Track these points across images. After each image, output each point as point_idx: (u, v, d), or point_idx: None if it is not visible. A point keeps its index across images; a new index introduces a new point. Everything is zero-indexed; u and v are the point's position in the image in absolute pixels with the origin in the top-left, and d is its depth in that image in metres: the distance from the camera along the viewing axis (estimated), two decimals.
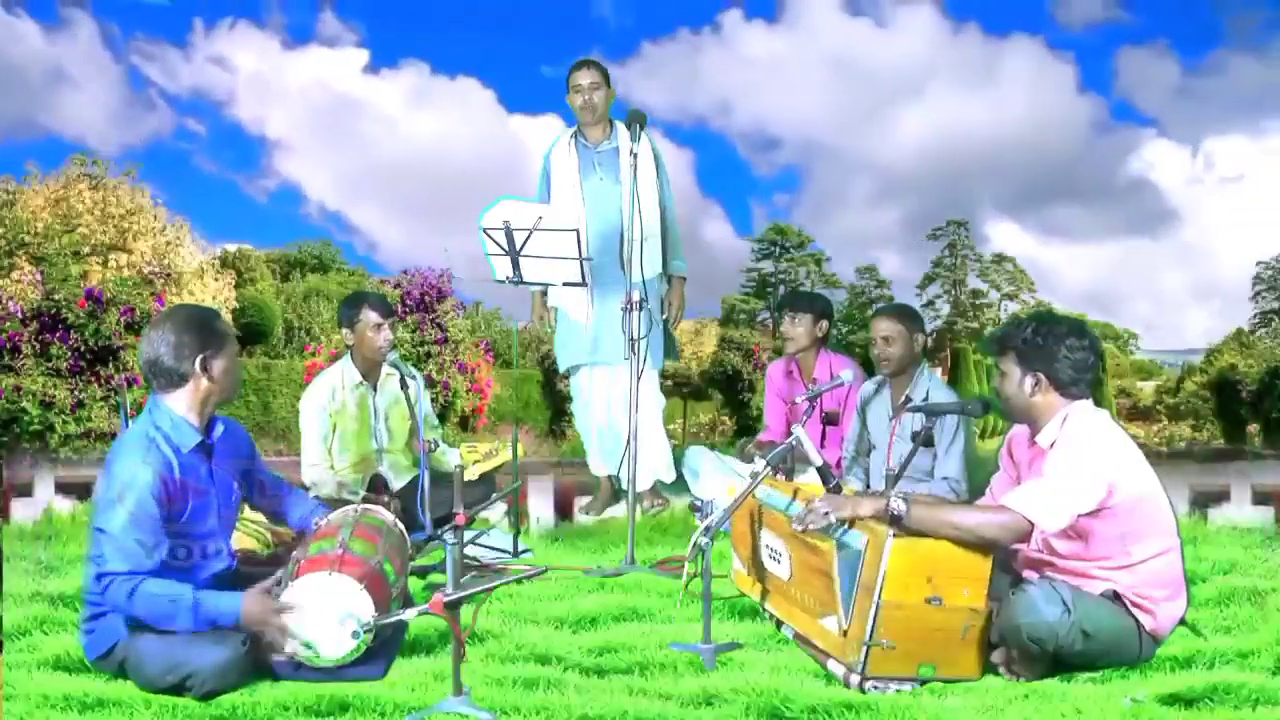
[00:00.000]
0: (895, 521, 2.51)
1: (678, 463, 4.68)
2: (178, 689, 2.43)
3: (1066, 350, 2.66)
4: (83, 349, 7.89)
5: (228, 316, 13.90)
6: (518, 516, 4.08)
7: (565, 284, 4.12)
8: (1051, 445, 2.67)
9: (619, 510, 4.49)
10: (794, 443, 3.13)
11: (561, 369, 4.74)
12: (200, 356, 2.61)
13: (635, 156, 3.96)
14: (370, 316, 4.10)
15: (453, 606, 2.35)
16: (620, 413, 4.27)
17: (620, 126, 4.53)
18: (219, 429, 2.72)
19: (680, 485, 4.65)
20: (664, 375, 4.88)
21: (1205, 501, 4.48)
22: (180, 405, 2.63)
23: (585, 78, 4.49)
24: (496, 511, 4.37)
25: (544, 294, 4.60)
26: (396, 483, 4.17)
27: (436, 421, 4.54)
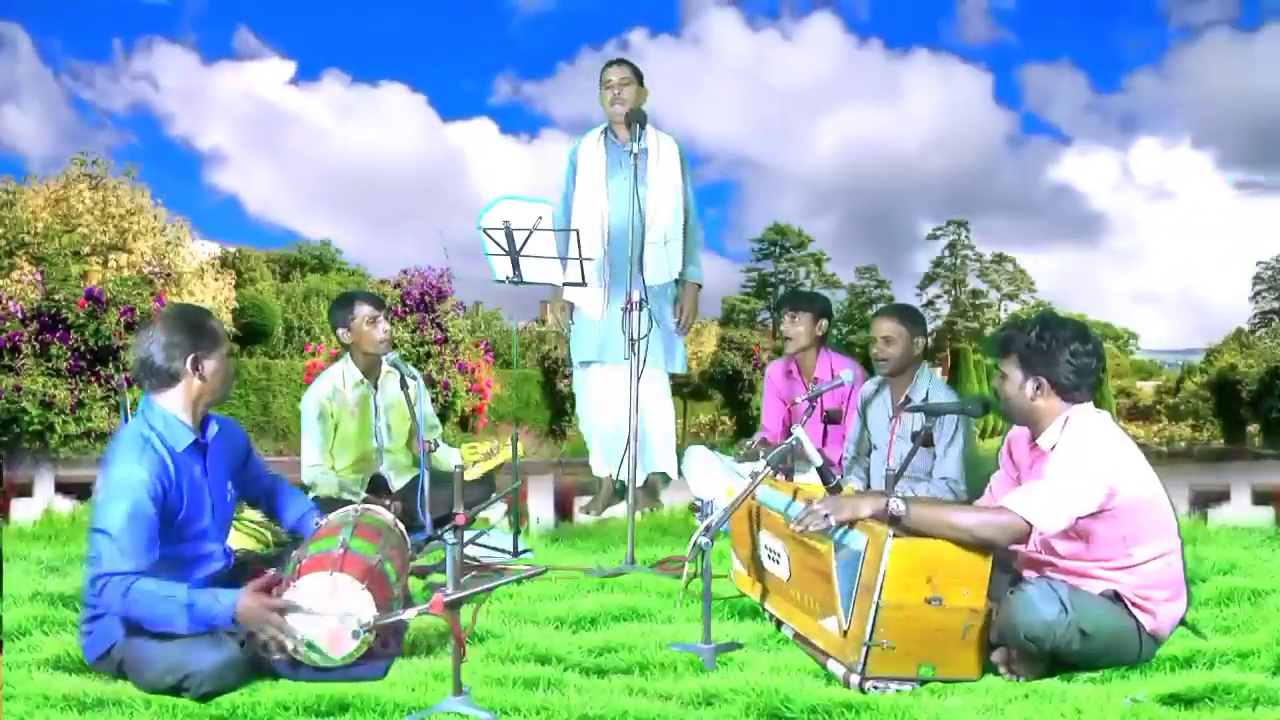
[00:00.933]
0: (895, 522, 2.51)
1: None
2: (176, 690, 2.43)
3: (1070, 355, 2.65)
4: (83, 349, 7.89)
5: (227, 316, 13.93)
6: (518, 516, 4.08)
7: (566, 284, 4.13)
8: (1052, 448, 2.67)
9: (619, 510, 4.49)
10: (794, 443, 3.13)
11: (575, 363, 4.74)
12: (191, 356, 2.61)
13: (635, 156, 3.96)
14: (363, 310, 4.10)
15: (453, 606, 2.35)
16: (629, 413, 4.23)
17: (650, 127, 4.55)
18: (214, 428, 2.72)
19: (681, 485, 4.66)
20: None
21: (1205, 501, 4.48)
22: (173, 405, 2.63)
23: (616, 74, 4.49)
24: (496, 511, 4.37)
25: (560, 294, 4.58)
26: (396, 483, 4.17)
27: (436, 422, 4.53)
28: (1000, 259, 41.93)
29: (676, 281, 4.63)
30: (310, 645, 2.52)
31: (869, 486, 3.97)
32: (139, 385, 2.68)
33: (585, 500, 4.69)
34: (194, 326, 2.65)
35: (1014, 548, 2.73)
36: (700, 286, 4.72)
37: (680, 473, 4.62)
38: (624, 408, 4.04)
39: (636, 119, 4.09)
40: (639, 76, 4.52)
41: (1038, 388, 2.69)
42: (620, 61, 4.54)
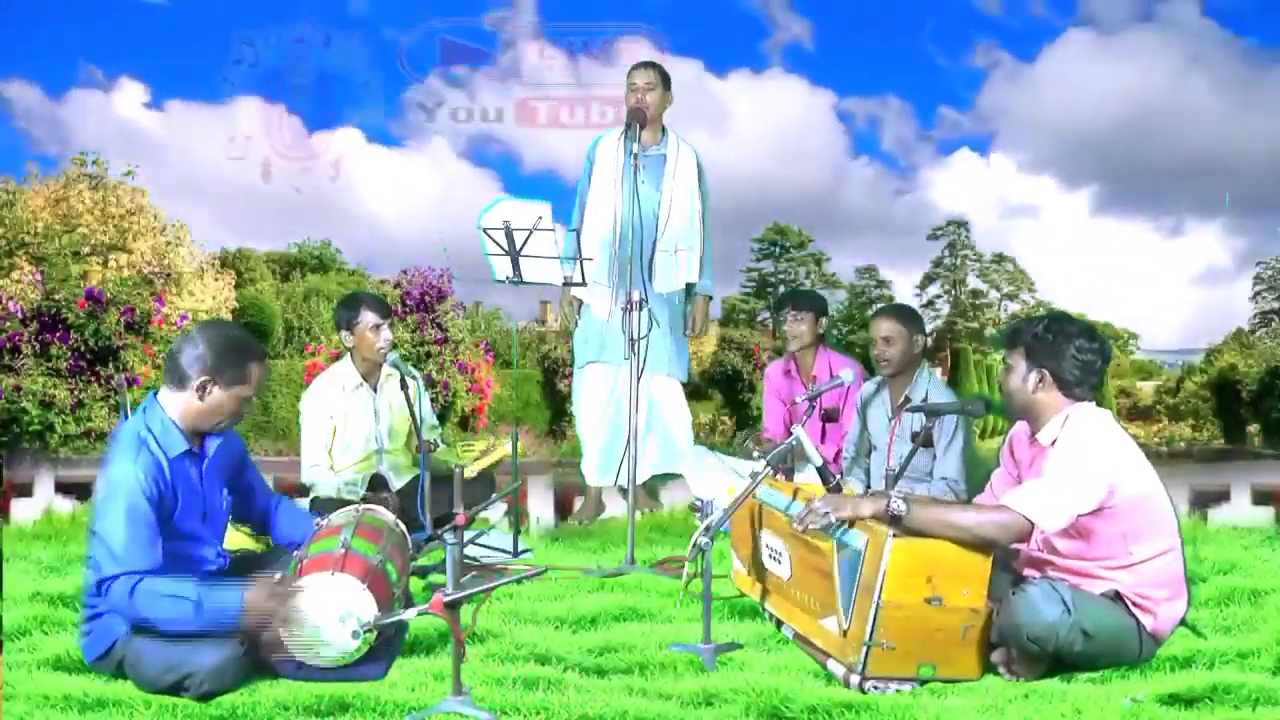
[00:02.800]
0: (895, 522, 2.51)
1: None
2: (176, 690, 2.43)
3: (1075, 350, 2.67)
4: (83, 349, 7.89)
5: (227, 316, 13.91)
6: (518, 516, 4.08)
7: (566, 284, 4.12)
8: (1052, 444, 2.67)
9: (619, 510, 4.49)
10: (794, 442, 3.13)
11: (579, 363, 4.71)
12: (205, 378, 2.60)
13: (636, 158, 3.96)
14: (368, 317, 4.10)
15: (453, 606, 2.35)
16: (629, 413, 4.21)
17: (671, 133, 4.54)
18: (216, 441, 2.71)
19: (681, 485, 4.66)
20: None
21: (1205, 501, 4.48)
22: (173, 409, 2.63)
23: (641, 78, 4.47)
24: (496, 511, 4.37)
25: (568, 291, 4.55)
26: (396, 483, 4.17)
27: (436, 422, 4.53)
28: (1000, 259, 41.92)
29: (687, 291, 4.61)
30: (311, 645, 2.52)
31: (869, 486, 3.97)
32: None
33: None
34: (228, 355, 2.61)
35: (1015, 547, 2.73)
36: (710, 299, 4.72)
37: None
38: (629, 410, 4.03)
39: (636, 119, 4.08)
40: (665, 81, 4.50)
41: (1040, 380, 2.69)
42: (647, 64, 4.50)
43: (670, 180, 4.49)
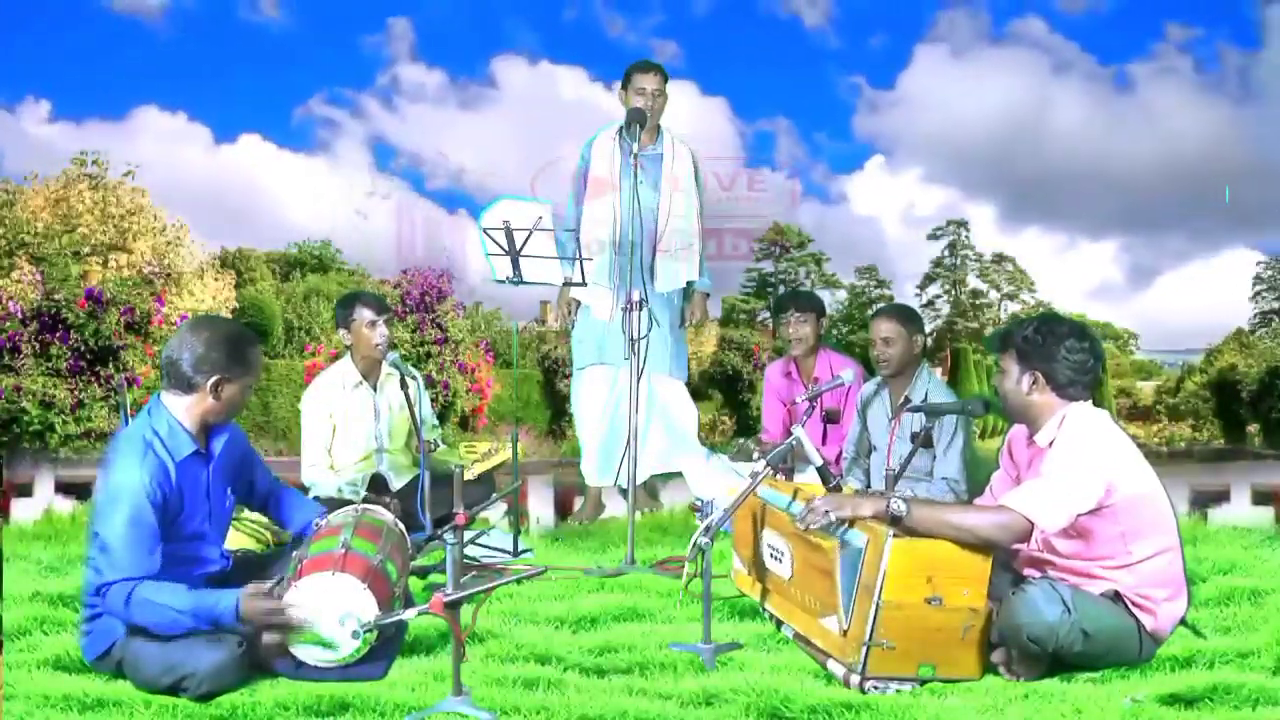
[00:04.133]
0: (895, 522, 2.51)
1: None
2: (175, 690, 2.43)
3: (1065, 351, 2.67)
4: (83, 349, 7.90)
5: (227, 316, 13.90)
6: (518, 516, 4.07)
7: (565, 284, 4.12)
8: (1050, 444, 2.68)
9: (619, 510, 4.49)
10: (794, 443, 3.13)
11: (579, 365, 4.67)
12: (216, 377, 2.61)
13: (636, 158, 3.96)
14: (364, 314, 4.10)
15: (453, 606, 2.35)
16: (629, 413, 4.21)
17: (666, 133, 4.54)
18: (222, 439, 2.72)
19: (681, 485, 4.66)
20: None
21: (1205, 501, 4.48)
22: (179, 411, 2.63)
23: (651, 82, 4.45)
24: (496, 511, 4.37)
25: (566, 292, 4.55)
26: (396, 483, 4.17)
27: (436, 422, 4.53)
28: (1000, 259, 41.92)
29: (685, 288, 4.61)
30: (311, 645, 2.52)
31: (869, 487, 3.97)
32: (160, 378, 2.68)
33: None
34: (233, 350, 2.64)
35: (1015, 547, 2.73)
36: (708, 295, 4.71)
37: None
38: (629, 409, 4.03)
39: (637, 119, 4.07)
40: (667, 82, 4.50)
41: (1033, 382, 2.70)
42: (656, 68, 4.48)
43: (669, 180, 4.49)
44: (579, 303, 4.61)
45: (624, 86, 4.53)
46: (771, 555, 3.02)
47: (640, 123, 4.09)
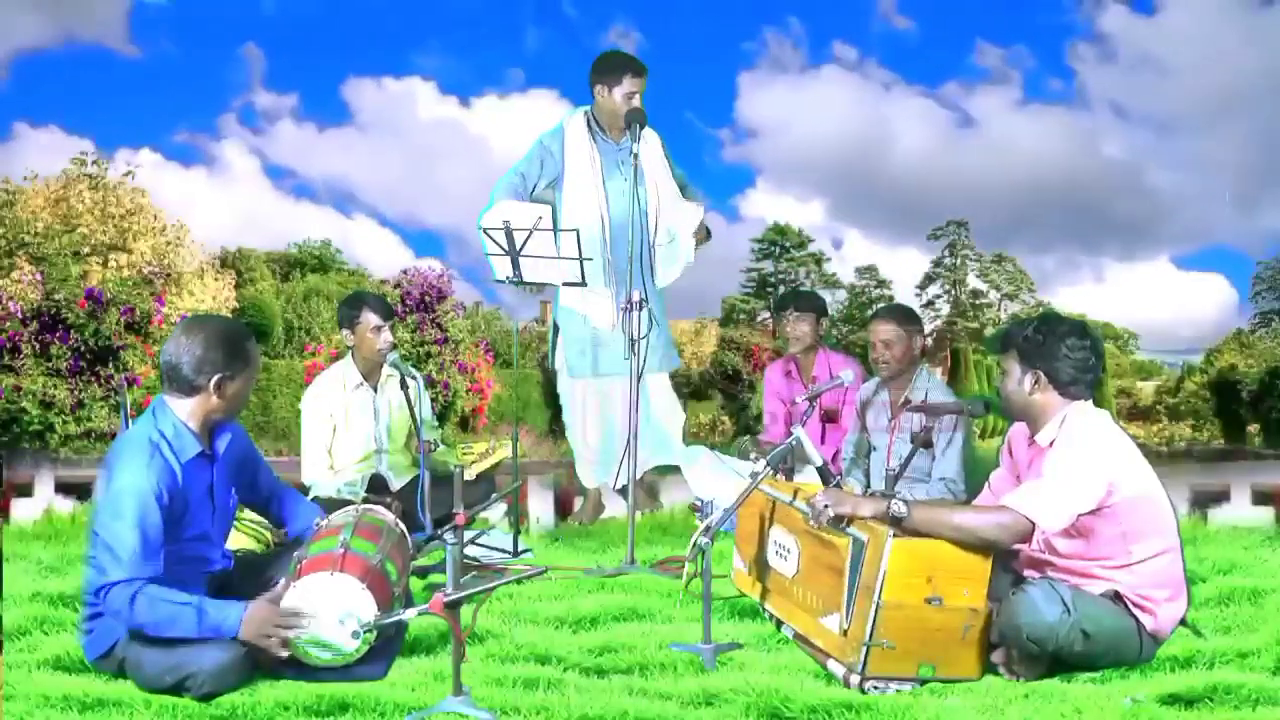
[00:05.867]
0: (896, 524, 2.51)
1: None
2: (176, 690, 2.43)
3: (1067, 349, 2.67)
4: (83, 349, 7.90)
5: (227, 316, 13.90)
6: (518, 516, 4.07)
7: (565, 284, 4.11)
8: (1050, 444, 2.68)
9: (619, 510, 4.49)
10: (794, 443, 3.13)
11: (572, 375, 4.57)
12: (219, 376, 2.61)
13: (636, 157, 3.95)
14: (370, 319, 4.10)
15: (453, 606, 2.35)
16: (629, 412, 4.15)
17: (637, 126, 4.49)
18: (226, 438, 2.72)
19: (681, 485, 4.66)
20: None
21: (1205, 501, 4.48)
22: (184, 413, 2.63)
23: (640, 87, 4.32)
24: (496, 511, 4.37)
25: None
26: (396, 483, 4.17)
27: (436, 422, 4.53)
28: (1000, 259, 41.92)
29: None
30: (311, 646, 2.52)
31: (869, 487, 3.97)
32: (161, 382, 2.67)
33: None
34: (231, 348, 2.64)
35: (1015, 547, 2.73)
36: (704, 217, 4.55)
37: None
38: (626, 410, 4.04)
39: (636, 119, 4.05)
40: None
41: (1035, 382, 2.70)
42: (641, 67, 4.35)
43: (651, 172, 4.41)
44: (557, 306, 4.51)
45: (603, 84, 4.35)
46: (777, 552, 3.01)
47: (641, 123, 4.05)
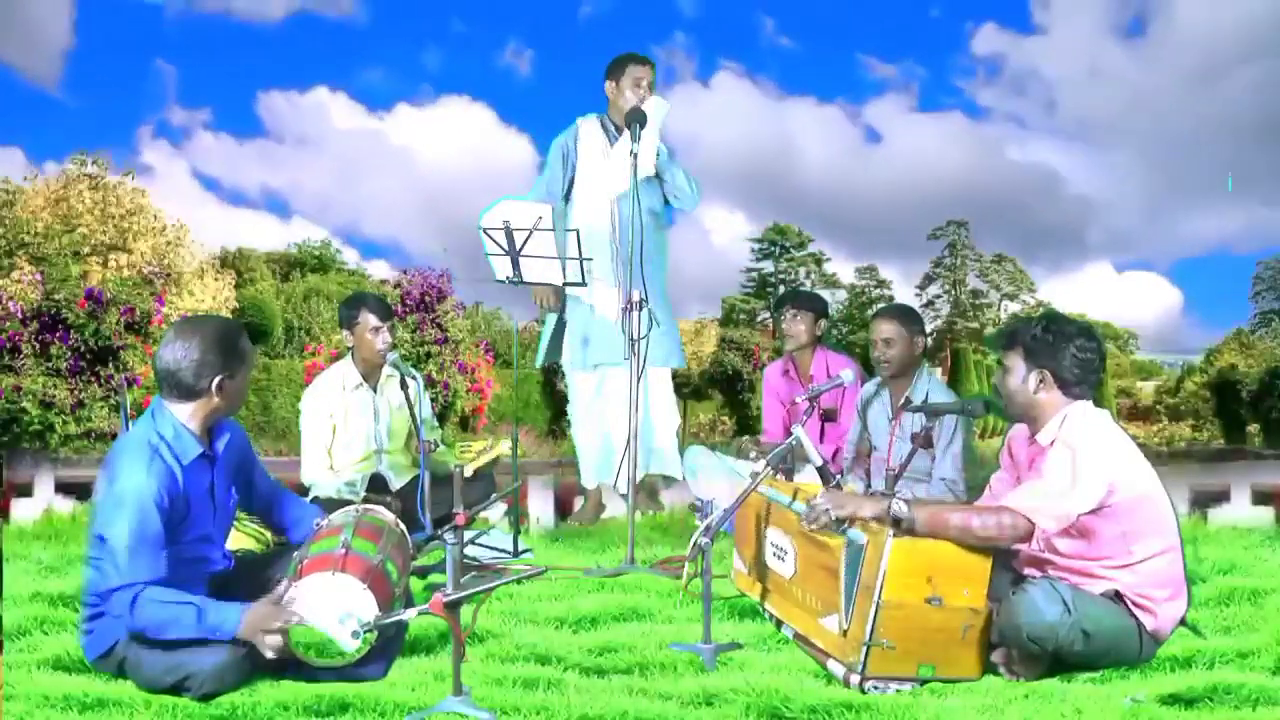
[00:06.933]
0: (897, 524, 2.51)
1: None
2: (176, 690, 2.43)
3: (1075, 350, 2.67)
4: (83, 349, 7.90)
5: (227, 316, 13.90)
6: (518, 516, 4.07)
7: (566, 284, 4.11)
8: (1051, 443, 2.68)
9: (619, 510, 4.49)
10: (793, 443, 3.13)
11: (577, 367, 4.61)
12: (219, 378, 2.61)
13: (636, 157, 3.94)
14: (369, 319, 4.10)
15: (453, 606, 2.35)
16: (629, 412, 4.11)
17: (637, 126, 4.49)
18: (225, 438, 2.72)
19: (681, 485, 4.66)
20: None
21: (1205, 501, 4.49)
22: (184, 414, 2.62)
23: (648, 74, 4.39)
24: (496, 511, 4.37)
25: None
26: (396, 483, 4.17)
27: (436, 422, 4.53)
28: (1000, 259, 41.95)
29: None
30: (311, 646, 2.52)
31: (869, 487, 3.97)
32: (158, 388, 2.67)
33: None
34: (228, 348, 2.63)
35: (1015, 547, 2.73)
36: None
37: (682, 473, 4.61)
38: (629, 410, 4.03)
39: (636, 119, 4.06)
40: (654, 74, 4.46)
41: (1040, 381, 2.70)
42: (649, 61, 4.42)
43: (648, 162, 4.38)
44: (564, 299, 4.52)
45: (612, 80, 4.45)
46: (775, 554, 3.02)
47: (641, 122, 4.05)
